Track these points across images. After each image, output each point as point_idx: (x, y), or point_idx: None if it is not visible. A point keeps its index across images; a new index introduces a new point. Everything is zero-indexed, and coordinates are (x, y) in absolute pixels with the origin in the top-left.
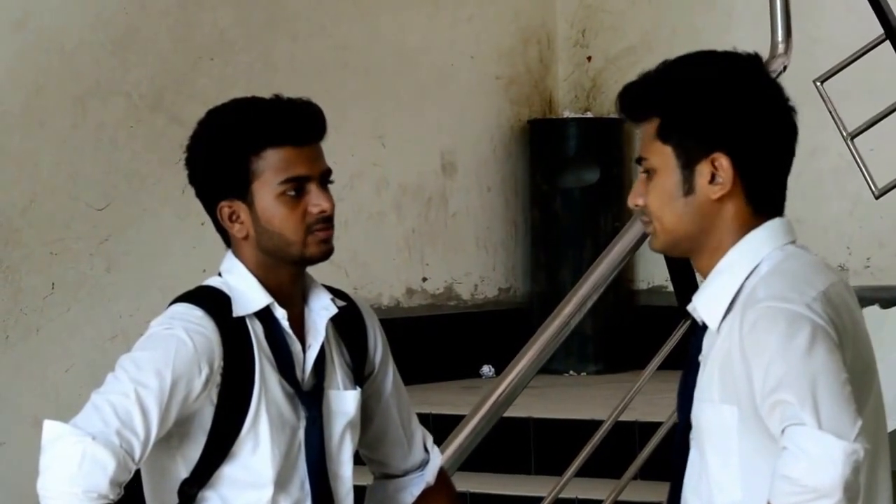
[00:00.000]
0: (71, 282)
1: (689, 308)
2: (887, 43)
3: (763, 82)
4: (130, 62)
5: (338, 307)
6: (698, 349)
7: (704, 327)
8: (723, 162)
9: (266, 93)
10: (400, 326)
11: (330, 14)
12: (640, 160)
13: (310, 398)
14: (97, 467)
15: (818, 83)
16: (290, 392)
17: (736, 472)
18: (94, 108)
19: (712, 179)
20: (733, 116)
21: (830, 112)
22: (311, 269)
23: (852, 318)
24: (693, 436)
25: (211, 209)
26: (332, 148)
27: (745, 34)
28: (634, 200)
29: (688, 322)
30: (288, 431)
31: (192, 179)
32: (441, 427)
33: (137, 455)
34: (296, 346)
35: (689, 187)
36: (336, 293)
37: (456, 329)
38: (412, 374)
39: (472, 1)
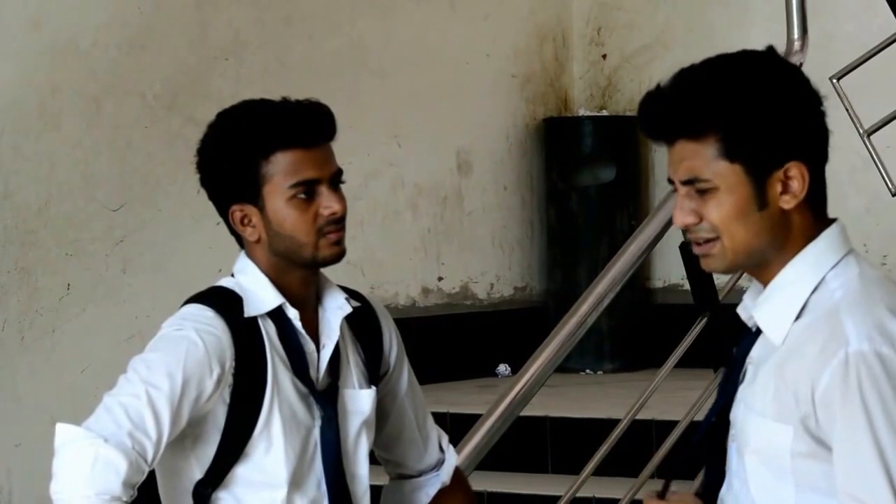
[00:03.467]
0: (86, 282)
1: (743, 314)
2: None
3: (803, 81)
4: (145, 62)
5: (352, 307)
6: (746, 351)
7: (756, 333)
8: (797, 171)
9: (281, 93)
10: (416, 326)
11: (345, 13)
12: (692, 181)
13: (324, 397)
14: (110, 469)
15: (834, 80)
16: (304, 392)
17: (790, 489)
18: (110, 109)
19: (784, 190)
20: (798, 122)
21: (846, 109)
22: (325, 269)
23: None
24: (733, 441)
25: (223, 212)
26: (348, 147)
27: (761, 31)
28: (685, 220)
29: (704, 320)
30: (302, 431)
31: (204, 183)
32: (457, 426)
33: (150, 456)
34: (309, 345)
35: (763, 202)
36: (351, 293)
37: (472, 328)
38: (428, 373)
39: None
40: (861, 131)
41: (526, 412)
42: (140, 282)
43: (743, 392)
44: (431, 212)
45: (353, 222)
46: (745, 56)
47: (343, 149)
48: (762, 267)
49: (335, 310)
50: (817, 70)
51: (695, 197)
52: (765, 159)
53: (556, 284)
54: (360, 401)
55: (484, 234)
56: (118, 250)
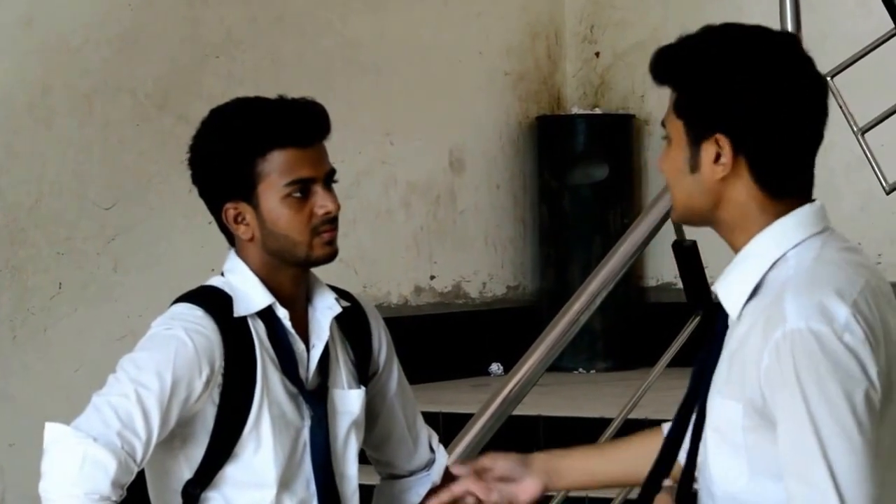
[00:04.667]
0: (78, 281)
1: (715, 289)
2: None
3: (786, 63)
4: (137, 60)
5: (342, 307)
6: (724, 330)
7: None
8: (724, 143)
9: (274, 91)
10: (408, 325)
11: (337, 11)
12: (662, 124)
13: (314, 397)
14: (98, 469)
15: (828, 78)
16: (294, 392)
17: (744, 464)
18: (101, 107)
19: (717, 159)
20: (739, 97)
21: (841, 107)
22: (317, 268)
23: (885, 319)
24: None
25: (215, 210)
26: (340, 146)
27: None
28: (659, 164)
29: (697, 319)
30: (292, 431)
31: (196, 180)
32: (450, 425)
33: (139, 456)
34: (299, 345)
35: (695, 164)
36: (340, 293)
37: (464, 327)
38: (420, 372)
39: None
40: (855, 129)
41: (518, 411)
42: (132, 280)
43: (715, 373)
44: (424, 210)
45: (345, 221)
46: (737, 26)
47: (335, 147)
48: (719, 229)
49: (325, 309)
50: None
51: (665, 146)
52: (698, 124)
53: (549, 283)
54: (349, 401)
55: (476, 233)
56: (110, 249)
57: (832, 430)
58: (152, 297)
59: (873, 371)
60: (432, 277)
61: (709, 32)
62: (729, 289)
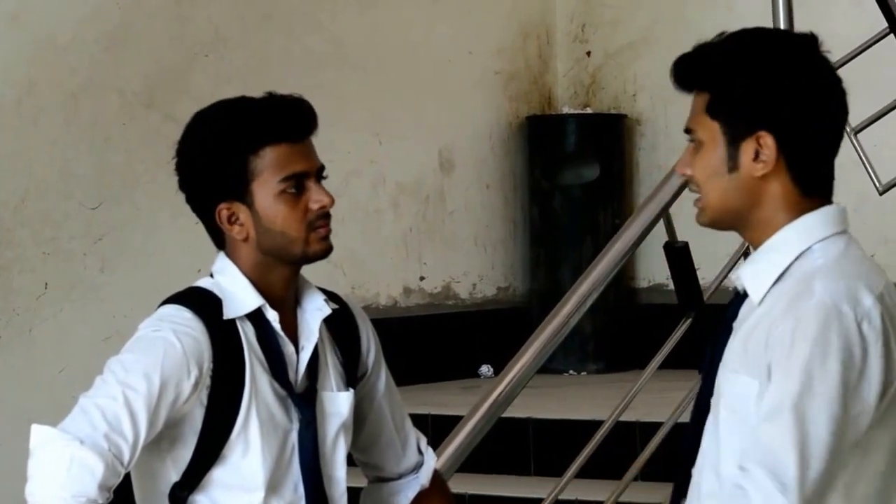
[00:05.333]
0: (64, 282)
1: (733, 276)
2: (892, 37)
3: (815, 63)
4: (124, 58)
5: (331, 308)
6: (734, 316)
7: (743, 297)
8: (767, 140)
9: (262, 89)
10: (397, 326)
11: (326, 9)
12: (688, 130)
13: (303, 400)
14: (85, 472)
15: None
16: (283, 394)
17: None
18: (88, 105)
19: (756, 157)
20: (779, 96)
21: None
22: (306, 269)
23: None
24: (713, 401)
25: (206, 212)
26: (329, 145)
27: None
28: (682, 169)
29: (689, 320)
30: (280, 434)
31: (185, 184)
32: (439, 428)
33: (126, 459)
34: (288, 347)
35: (733, 164)
36: (329, 295)
37: (454, 328)
38: (409, 374)
39: None
40: (848, 129)
41: (508, 413)
42: (118, 281)
43: (726, 352)
44: (413, 210)
45: (334, 221)
46: (766, 31)
47: (324, 146)
48: (745, 229)
49: (314, 311)
50: None
51: (691, 151)
52: (738, 123)
53: (540, 284)
54: (338, 403)
55: (466, 234)
56: (96, 249)
57: (819, 397)
58: (139, 298)
59: (876, 365)
60: (422, 278)
61: (733, 36)
62: (755, 276)
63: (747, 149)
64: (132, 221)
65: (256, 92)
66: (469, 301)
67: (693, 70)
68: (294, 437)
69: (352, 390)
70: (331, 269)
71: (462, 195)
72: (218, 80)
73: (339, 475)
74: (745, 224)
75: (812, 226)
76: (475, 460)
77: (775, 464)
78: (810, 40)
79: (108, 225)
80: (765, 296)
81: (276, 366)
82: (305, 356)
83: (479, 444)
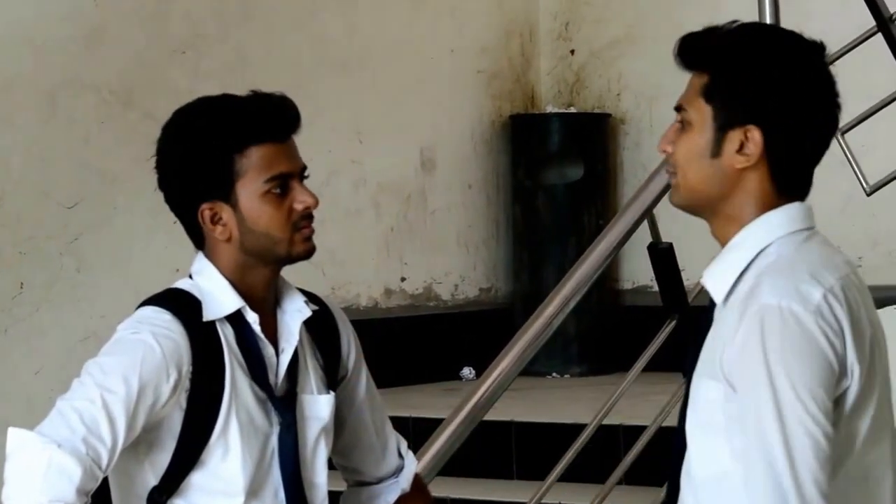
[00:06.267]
0: (41, 281)
1: (702, 280)
2: (879, 36)
3: (817, 71)
4: (102, 56)
5: (311, 310)
6: (710, 324)
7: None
8: (755, 135)
9: (241, 87)
10: (378, 327)
11: (307, 6)
12: (679, 108)
13: (283, 403)
14: (63, 476)
15: None
16: (262, 397)
17: (723, 443)
18: (65, 104)
19: (741, 149)
20: (776, 94)
21: None
22: (287, 269)
23: (859, 314)
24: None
25: (187, 212)
26: (309, 144)
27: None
28: (664, 146)
29: (673, 322)
30: (260, 438)
31: (165, 183)
32: (420, 431)
33: (104, 463)
34: (268, 350)
35: (717, 150)
36: (309, 296)
37: (435, 330)
38: (390, 376)
39: None
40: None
41: (490, 416)
42: (96, 281)
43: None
44: (394, 210)
45: (315, 221)
46: (778, 29)
47: (304, 145)
48: (714, 219)
49: (294, 313)
50: None
51: (677, 129)
52: (730, 111)
53: (523, 285)
54: (318, 407)
55: (448, 234)
56: (73, 248)
57: (792, 406)
58: (116, 298)
59: (832, 355)
60: (403, 279)
61: (744, 27)
62: (716, 277)
63: (733, 138)
64: (110, 221)
65: (236, 90)
66: (451, 302)
67: (698, 48)
68: (274, 441)
69: (332, 393)
70: (311, 269)
71: (444, 195)
72: (196, 77)
73: (319, 480)
74: (714, 212)
75: (773, 223)
76: (457, 464)
77: (772, 485)
78: (818, 48)
79: (86, 224)
80: (728, 296)
81: (256, 368)
82: (285, 359)
83: (460, 447)
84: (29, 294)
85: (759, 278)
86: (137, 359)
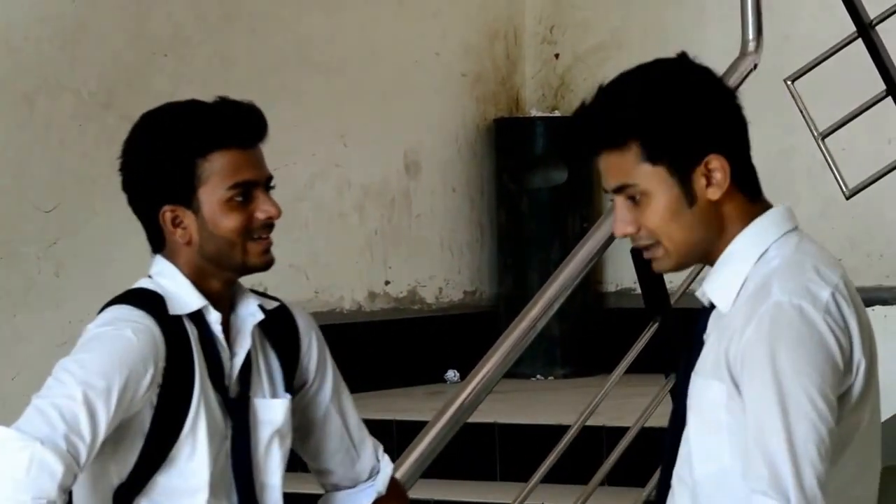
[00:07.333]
0: (18, 286)
1: (699, 293)
2: (859, 41)
3: (712, 75)
4: (80, 58)
5: (266, 313)
6: (704, 328)
7: (710, 309)
8: (716, 163)
9: (223, 90)
10: (362, 331)
11: (290, 8)
12: (621, 189)
13: (235, 406)
14: (45, 473)
15: (789, 82)
16: (220, 399)
17: (725, 442)
18: (43, 106)
19: (708, 182)
20: (712, 115)
21: (801, 111)
22: (270, 273)
23: (859, 310)
24: (687, 408)
25: (149, 214)
26: (293, 147)
27: (716, 31)
28: (624, 230)
29: (656, 325)
30: (218, 438)
31: (129, 185)
32: (405, 433)
33: (83, 460)
34: (225, 352)
35: (691, 198)
36: (273, 301)
37: (420, 333)
38: (374, 379)
39: None
40: (816, 134)
41: (474, 419)
42: (74, 285)
43: (698, 361)
44: (378, 214)
45: (298, 224)
46: (657, 65)
47: (287, 149)
48: (710, 255)
49: (247, 317)
50: (772, 71)
51: (630, 207)
52: (685, 157)
53: (507, 288)
54: (271, 410)
55: (432, 237)
56: (51, 253)
57: (797, 399)
58: (95, 303)
59: (838, 354)
60: (387, 283)
61: (622, 82)
62: (720, 288)
63: (698, 177)
64: (88, 224)
65: (218, 93)
66: (435, 305)
67: (613, 128)
68: (227, 444)
69: (288, 397)
70: (294, 272)
71: (428, 198)
72: (177, 80)
73: (272, 482)
74: (710, 249)
75: (764, 229)
76: (441, 466)
77: (772, 476)
78: (686, 59)
79: (64, 228)
80: (732, 304)
81: (213, 370)
82: (238, 362)
83: (444, 449)
84: (6, 299)
85: (766, 279)
86: (119, 353)
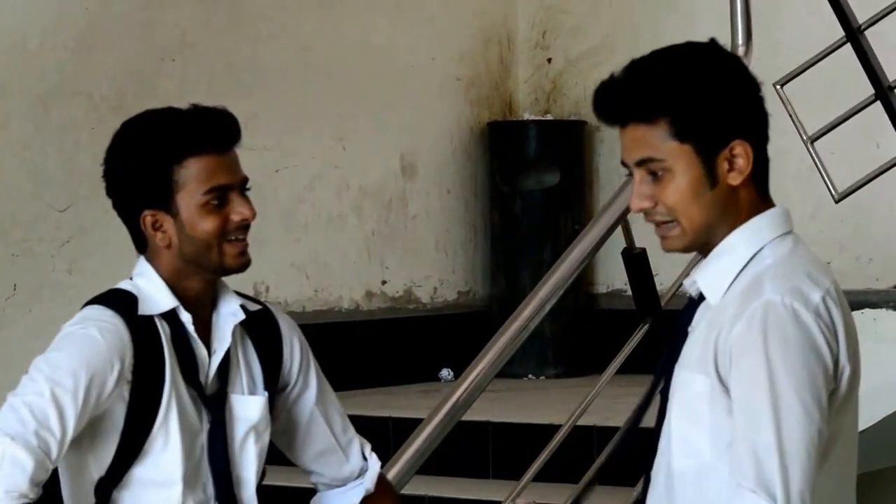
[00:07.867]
0: (33, 283)
1: (687, 283)
2: (848, 46)
3: (742, 66)
4: (93, 63)
5: (248, 314)
6: (689, 320)
7: (698, 300)
8: (741, 149)
9: (228, 93)
10: (359, 329)
11: (292, 15)
12: (644, 162)
13: (212, 402)
14: (17, 468)
15: (778, 86)
16: (194, 395)
17: (705, 436)
18: (57, 109)
19: (731, 167)
20: (742, 102)
21: (790, 115)
22: (269, 273)
23: (847, 315)
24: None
25: (131, 218)
26: (292, 149)
27: (706, 36)
28: (641, 204)
29: (646, 326)
30: (192, 433)
31: (112, 191)
32: (400, 430)
33: (54, 454)
34: (201, 350)
35: (713, 180)
36: (255, 302)
37: (415, 332)
38: (371, 377)
39: (434, 2)
40: (805, 138)
41: (468, 417)
42: (86, 283)
43: (682, 354)
44: (375, 215)
45: (297, 225)
46: (691, 46)
47: (287, 151)
48: (710, 243)
49: (228, 316)
50: (761, 76)
51: (650, 182)
52: (712, 138)
53: (500, 289)
54: (248, 407)
55: (427, 238)
56: (65, 251)
57: (789, 398)
58: None
59: (828, 356)
60: (383, 282)
61: (666, 58)
62: (711, 278)
63: (721, 161)
64: (100, 224)
65: (223, 96)
66: (430, 305)
67: (646, 101)
68: (203, 438)
69: (265, 395)
70: (293, 272)
71: (423, 200)
72: (185, 83)
73: (247, 477)
74: (714, 235)
75: (761, 227)
76: (435, 463)
77: (759, 474)
78: (716, 44)
79: (77, 227)
80: (721, 298)
81: (188, 367)
82: (217, 359)
83: (438, 446)
84: (22, 296)
85: (759, 278)
86: (83, 352)
